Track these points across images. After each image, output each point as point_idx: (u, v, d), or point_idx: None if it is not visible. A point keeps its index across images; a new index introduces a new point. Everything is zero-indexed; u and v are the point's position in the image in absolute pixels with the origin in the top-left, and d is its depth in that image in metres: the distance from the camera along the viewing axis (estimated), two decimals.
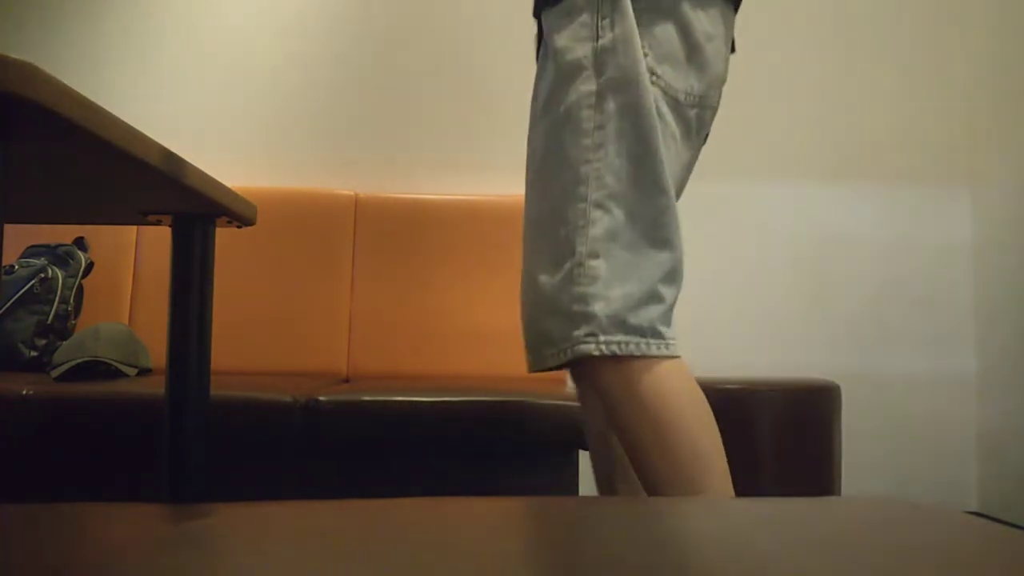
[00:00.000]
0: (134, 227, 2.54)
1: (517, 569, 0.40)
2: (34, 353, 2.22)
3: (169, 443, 1.16)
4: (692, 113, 1.12)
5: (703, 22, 1.11)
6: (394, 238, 2.53)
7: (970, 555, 0.45)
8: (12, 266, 2.31)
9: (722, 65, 1.16)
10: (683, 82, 1.09)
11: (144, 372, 2.19)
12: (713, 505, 0.62)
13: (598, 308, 1.02)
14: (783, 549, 0.45)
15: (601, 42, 1.06)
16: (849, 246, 2.72)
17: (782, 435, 2.07)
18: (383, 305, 2.49)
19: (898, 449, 2.66)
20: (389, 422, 1.88)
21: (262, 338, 2.43)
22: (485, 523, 0.51)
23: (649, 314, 1.04)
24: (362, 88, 2.73)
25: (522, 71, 2.74)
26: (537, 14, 1.19)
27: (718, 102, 1.17)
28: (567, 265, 1.04)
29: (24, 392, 1.84)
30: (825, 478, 2.15)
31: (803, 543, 0.46)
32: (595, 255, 1.04)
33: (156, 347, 2.23)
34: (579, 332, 1.02)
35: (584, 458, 2.32)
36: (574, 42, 1.08)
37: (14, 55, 0.61)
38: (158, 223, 1.22)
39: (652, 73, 1.07)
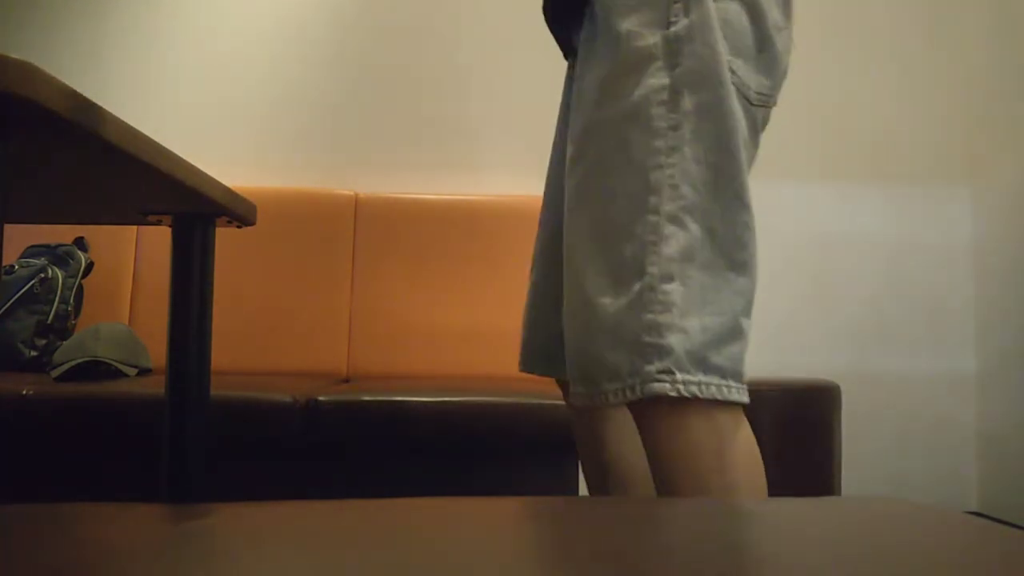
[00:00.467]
0: (134, 227, 2.54)
1: (517, 569, 0.40)
2: (34, 353, 2.22)
3: (169, 443, 1.16)
4: (760, 115, 0.99)
5: (774, 10, 0.99)
6: (394, 238, 2.53)
7: (970, 555, 0.45)
8: (12, 266, 2.31)
9: (787, 60, 1.04)
10: (755, 79, 0.97)
11: (144, 372, 2.19)
12: (713, 505, 0.62)
13: (674, 341, 0.88)
14: (783, 549, 0.45)
15: (674, 28, 0.92)
16: (849, 246, 2.72)
17: (782, 435, 2.07)
18: (383, 305, 2.49)
19: (898, 449, 2.66)
20: (389, 422, 1.88)
21: (262, 338, 2.43)
22: (485, 523, 0.51)
23: (731, 352, 0.91)
24: (362, 88, 2.73)
25: (522, 71, 2.75)
26: None
27: (776, 102, 1.05)
28: (635, 287, 0.90)
29: (24, 392, 1.84)
30: (825, 478, 2.15)
31: (803, 543, 0.46)
32: (669, 278, 0.89)
33: (156, 347, 2.23)
34: (651, 368, 0.88)
35: None
36: (642, 27, 0.93)
37: (14, 55, 0.61)
38: (158, 223, 1.22)
39: (728, 67, 0.94)
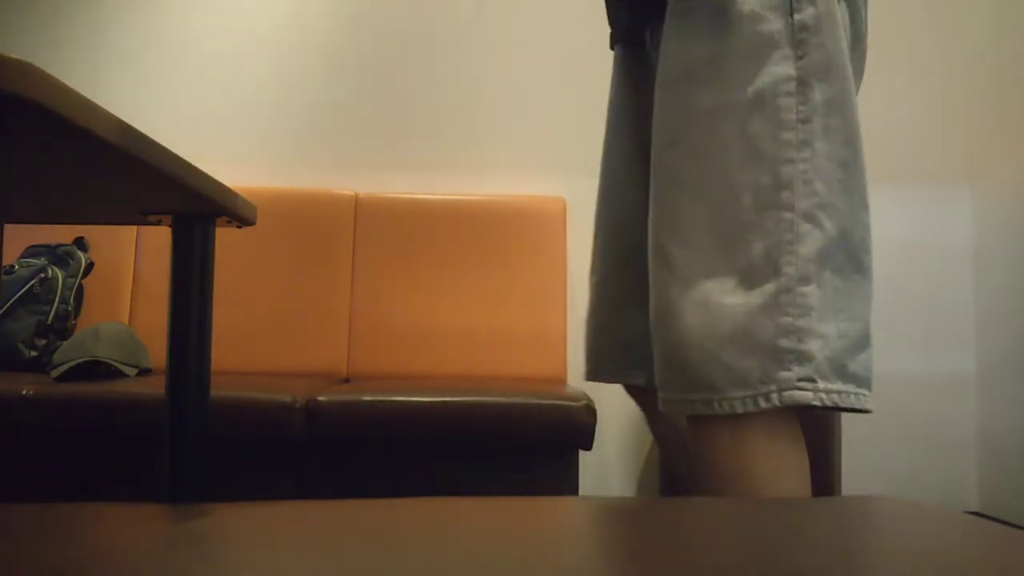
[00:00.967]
0: (134, 227, 2.54)
1: (517, 569, 0.40)
2: (34, 353, 2.22)
3: (169, 443, 1.16)
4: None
5: (863, 10, 0.94)
6: (394, 238, 2.53)
7: (970, 555, 0.45)
8: (12, 266, 2.31)
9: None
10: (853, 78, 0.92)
11: (144, 372, 2.20)
12: (713, 505, 0.62)
13: (815, 347, 0.84)
14: (783, 549, 0.45)
15: (799, 16, 0.87)
16: None
17: None
18: (383, 305, 2.49)
19: (898, 449, 2.66)
20: (389, 422, 1.88)
21: (262, 338, 2.43)
22: (485, 523, 0.51)
23: (864, 359, 0.86)
24: (362, 88, 2.73)
25: (523, 71, 2.75)
26: None
27: None
28: (768, 288, 0.84)
29: (24, 392, 1.84)
30: (825, 478, 2.15)
31: (803, 543, 0.46)
32: (806, 280, 0.84)
33: (156, 347, 2.23)
34: (790, 374, 0.83)
35: (584, 458, 2.32)
36: (766, 9, 0.87)
37: (14, 55, 0.61)
38: (158, 223, 1.22)
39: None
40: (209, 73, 2.73)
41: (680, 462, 1.14)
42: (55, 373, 1.99)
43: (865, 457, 2.62)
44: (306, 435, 1.88)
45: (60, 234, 2.45)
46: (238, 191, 1.23)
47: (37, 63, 0.63)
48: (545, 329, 2.46)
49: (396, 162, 2.71)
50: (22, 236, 2.44)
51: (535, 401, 1.89)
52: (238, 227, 1.25)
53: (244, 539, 0.47)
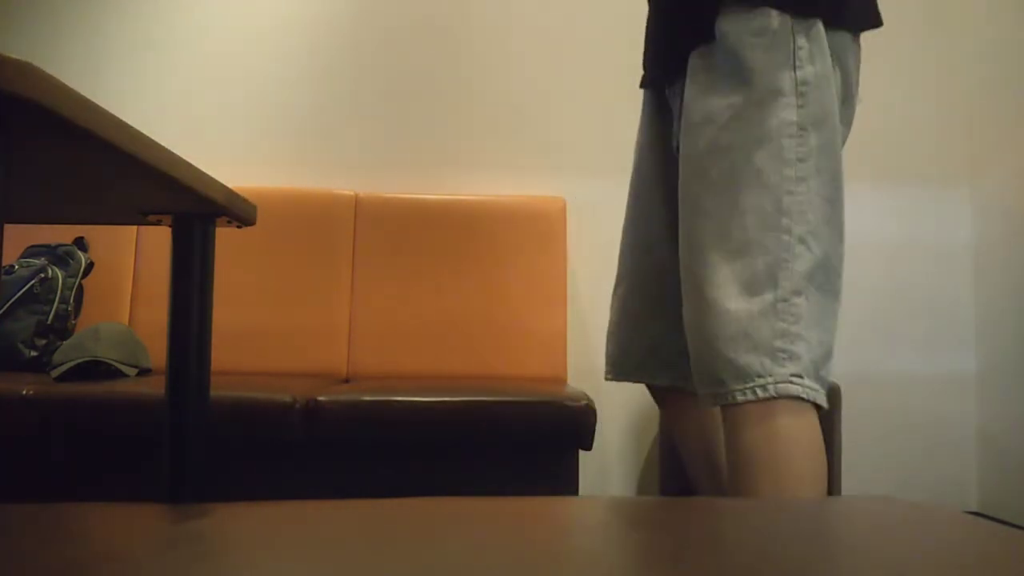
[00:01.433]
0: (134, 227, 2.54)
1: (517, 570, 0.40)
2: (34, 353, 2.22)
3: (169, 443, 1.16)
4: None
5: (853, 67, 1.10)
6: (394, 238, 2.53)
7: (970, 555, 0.45)
8: (12, 266, 2.31)
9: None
10: (839, 128, 1.07)
11: (144, 372, 2.20)
12: (713, 505, 0.62)
13: (802, 349, 0.98)
14: (783, 549, 0.45)
15: (801, 73, 1.02)
16: (849, 246, 2.70)
17: None
18: (383, 305, 2.49)
19: (898, 449, 2.66)
20: (389, 422, 1.88)
21: (262, 338, 2.43)
22: (485, 523, 0.51)
23: (830, 367, 1.02)
24: (362, 88, 2.73)
25: (523, 71, 2.75)
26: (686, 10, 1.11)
27: None
28: (768, 296, 0.99)
29: (24, 392, 1.84)
30: None
31: (803, 543, 0.46)
32: (798, 292, 1.00)
33: (156, 347, 2.23)
34: (784, 371, 0.97)
35: (584, 458, 2.32)
36: (772, 67, 1.02)
37: (14, 55, 0.61)
38: (158, 223, 1.22)
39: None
40: (209, 73, 2.73)
41: (693, 460, 1.27)
42: (55, 373, 1.99)
43: (865, 457, 2.62)
44: (306, 435, 1.88)
45: (60, 234, 2.45)
46: (238, 191, 1.23)
47: (37, 63, 0.63)
48: (545, 329, 2.46)
49: (396, 162, 2.71)
50: (22, 236, 2.44)
51: (535, 401, 1.90)
52: (238, 227, 1.25)
53: (244, 539, 0.47)
